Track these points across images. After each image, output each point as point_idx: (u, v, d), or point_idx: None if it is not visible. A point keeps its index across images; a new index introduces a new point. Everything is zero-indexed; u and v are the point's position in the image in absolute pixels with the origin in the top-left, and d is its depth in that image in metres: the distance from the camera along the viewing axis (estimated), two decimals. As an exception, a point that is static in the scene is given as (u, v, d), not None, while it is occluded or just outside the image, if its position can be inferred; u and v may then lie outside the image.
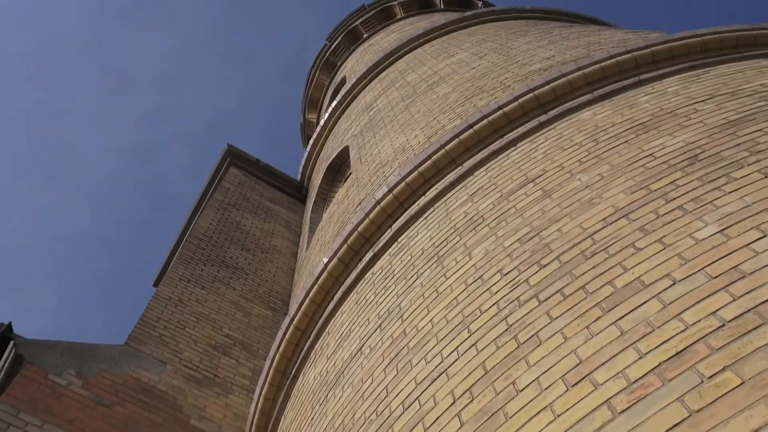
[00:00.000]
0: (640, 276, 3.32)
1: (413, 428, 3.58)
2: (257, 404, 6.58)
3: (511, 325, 3.63)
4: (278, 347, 6.42)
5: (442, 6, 22.87)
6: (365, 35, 22.46)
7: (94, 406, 6.33)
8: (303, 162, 14.84)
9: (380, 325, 4.93)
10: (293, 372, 6.19)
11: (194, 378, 7.33)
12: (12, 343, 6.61)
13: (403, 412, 3.77)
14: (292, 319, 6.40)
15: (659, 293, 3.11)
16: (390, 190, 6.36)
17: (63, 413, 6.08)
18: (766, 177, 3.65)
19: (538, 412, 2.94)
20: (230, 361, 7.93)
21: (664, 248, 3.42)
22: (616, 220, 3.90)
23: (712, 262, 3.15)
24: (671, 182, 4.00)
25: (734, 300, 2.86)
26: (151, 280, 13.78)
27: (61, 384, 6.36)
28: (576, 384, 2.92)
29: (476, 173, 5.89)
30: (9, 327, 20.11)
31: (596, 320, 3.21)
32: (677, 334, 2.84)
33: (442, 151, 6.30)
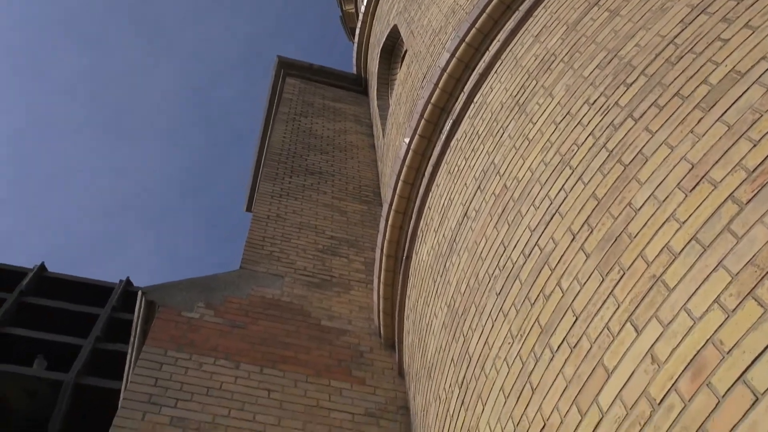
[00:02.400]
0: (734, 66, 3.21)
1: (540, 272, 3.65)
2: (378, 292, 6.80)
3: (612, 151, 3.60)
4: (384, 234, 6.56)
5: None
6: None
7: (231, 330, 6.68)
8: (354, 54, 14.68)
9: (479, 186, 4.97)
10: (405, 253, 6.34)
11: (312, 283, 7.61)
12: (140, 292, 6.98)
13: (526, 260, 3.84)
14: (390, 205, 6.51)
15: (759, 77, 3.01)
16: (452, 55, 6.26)
17: (204, 343, 6.45)
18: None
19: (661, 225, 2.95)
20: (341, 260, 8.18)
21: (753, 32, 3.28)
22: (695, 18, 3.75)
23: (808, 32, 3.01)
24: (744, -37, 3.79)
25: (841, 63, 2.75)
26: (243, 206, 14.18)
27: (195, 317, 6.72)
28: (694, 188, 2.90)
29: (535, 13, 5.71)
30: (128, 282, 21.28)
31: (699, 122, 3.14)
32: (788, 112, 2.76)
33: (495, 0, 6.12)
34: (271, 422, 5.75)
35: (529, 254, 3.83)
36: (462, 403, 4.12)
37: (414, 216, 6.29)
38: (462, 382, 4.20)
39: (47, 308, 20.81)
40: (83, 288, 22.28)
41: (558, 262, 3.54)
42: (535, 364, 3.37)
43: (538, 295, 3.58)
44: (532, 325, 3.53)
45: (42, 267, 22.57)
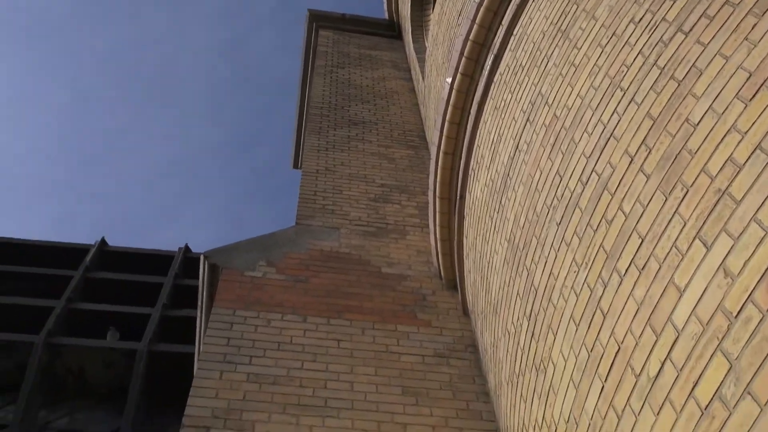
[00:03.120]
0: (786, -34, 3.09)
1: (600, 198, 3.63)
2: (435, 235, 6.83)
3: (663, 68, 3.53)
4: (435, 177, 6.56)
5: None
6: None
7: (294, 285, 6.80)
8: (385, -1, 14.50)
9: (528, 118, 4.92)
10: (458, 194, 6.34)
11: (368, 232, 7.68)
12: (202, 256, 7.14)
13: (584, 188, 3.82)
14: (439, 147, 6.49)
15: (814, -25, 2.90)
16: (487, -12, 6.14)
17: (270, 300, 6.59)
18: None
19: (723, 137, 2.89)
20: (394, 206, 8.22)
21: (804, -72, 3.15)
22: None
23: None
24: None
25: None
26: (290, 164, 14.27)
27: (258, 276, 6.85)
28: (753, 96, 2.83)
29: (569, -65, 5.55)
30: (187, 248, 21.72)
31: (753, 28, 3.05)
32: None
33: (526, -74, 5.96)
34: (343, 371, 5.87)
35: (587, 181, 3.80)
36: (532, 335, 4.16)
37: (464, 155, 6.27)
38: (530, 315, 4.23)
39: (112, 281, 21.42)
40: (144, 258, 22.83)
41: (617, 186, 3.51)
42: (604, 289, 3.37)
43: (600, 221, 3.57)
44: (597, 252, 3.52)
45: (103, 242, 23.17)
